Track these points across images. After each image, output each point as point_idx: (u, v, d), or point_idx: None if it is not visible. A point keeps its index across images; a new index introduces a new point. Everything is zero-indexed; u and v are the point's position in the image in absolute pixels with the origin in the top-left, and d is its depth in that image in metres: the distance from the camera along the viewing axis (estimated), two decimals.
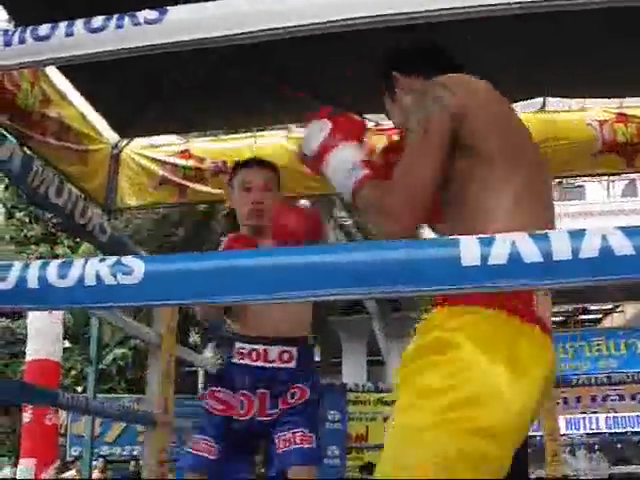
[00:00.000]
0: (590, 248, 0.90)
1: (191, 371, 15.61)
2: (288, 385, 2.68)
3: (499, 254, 0.92)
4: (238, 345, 2.75)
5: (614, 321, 18.48)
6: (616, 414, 15.73)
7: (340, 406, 6.19)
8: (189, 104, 5.09)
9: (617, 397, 14.86)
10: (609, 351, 15.78)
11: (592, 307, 16.98)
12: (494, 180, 1.58)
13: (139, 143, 5.77)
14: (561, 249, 0.91)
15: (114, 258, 1.00)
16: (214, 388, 2.76)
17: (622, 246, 0.89)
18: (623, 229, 0.91)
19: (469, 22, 3.78)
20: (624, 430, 15.07)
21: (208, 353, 14.42)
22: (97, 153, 5.40)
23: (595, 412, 15.23)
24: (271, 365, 2.70)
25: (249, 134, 5.91)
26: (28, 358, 6.32)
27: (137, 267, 0.97)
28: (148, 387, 2.64)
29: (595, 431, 15.02)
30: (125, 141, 5.64)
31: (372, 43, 4.60)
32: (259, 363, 2.70)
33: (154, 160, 5.73)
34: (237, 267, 0.97)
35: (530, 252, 0.91)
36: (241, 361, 2.72)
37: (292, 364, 2.70)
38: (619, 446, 13.02)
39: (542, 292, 1.60)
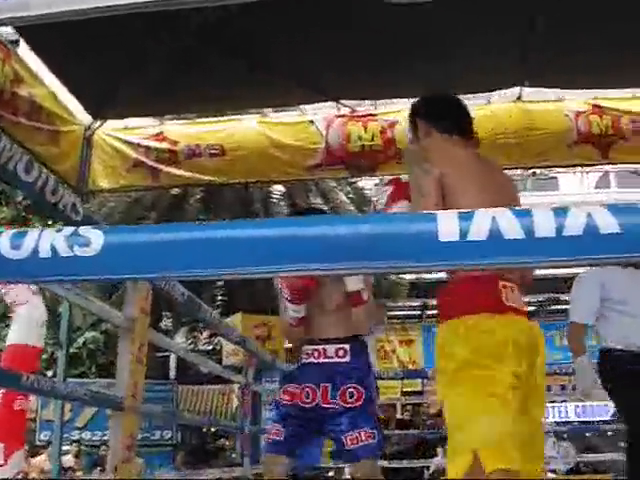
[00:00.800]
0: (574, 226, 0.85)
1: (163, 356, 15.52)
2: (346, 380, 3.23)
3: (479, 230, 0.86)
4: (304, 348, 3.38)
5: None
6: (585, 403, 15.87)
7: None
8: (164, 87, 5.03)
9: None
10: None
11: (563, 297, 17.08)
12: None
13: (112, 125, 5.70)
14: (544, 226, 0.85)
15: (71, 229, 0.94)
16: (286, 385, 3.37)
17: (608, 224, 0.84)
18: (609, 206, 0.86)
19: (449, 10, 3.76)
20: (593, 419, 15.23)
21: (179, 339, 14.36)
22: (69, 134, 5.33)
23: (564, 401, 15.37)
24: (330, 360, 3.28)
25: (224, 118, 5.87)
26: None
27: (95, 238, 0.91)
28: (118, 371, 2.60)
29: (564, 420, 15.15)
30: (98, 123, 5.57)
31: (353, 32, 4.60)
32: (321, 360, 3.30)
33: (127, 142, 5.67)
34: (201, 240, 0.91)
35: (511, 228, 0.86)
36: (308, 360, 3.33)
37: (347, 358, 3.28)
38: (587, 435, 13.14)
39: (509, 288, 2.26)
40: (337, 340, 3.31)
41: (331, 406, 3.20)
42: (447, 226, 0.87)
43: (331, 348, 3.30)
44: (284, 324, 3.41)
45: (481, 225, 0.86)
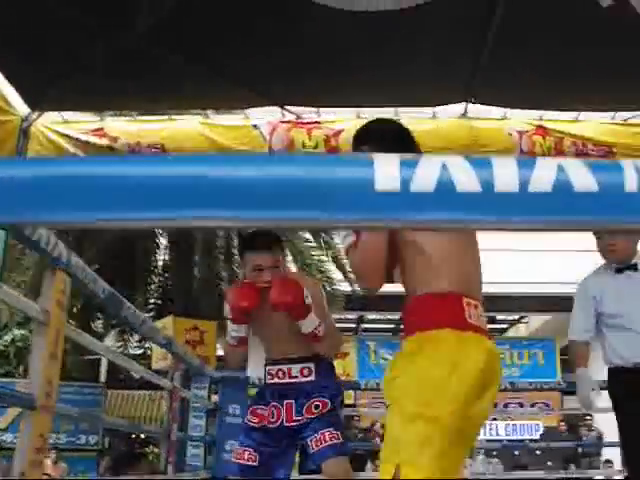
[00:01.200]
0: (543, 181, 0.71)
1: (94, 359, 15.23)
2: (311, 395, 3.25)
3: (425, 180, 0.71)
4: (268, 368, 3.38)
5: (519, 331, 18.90)
6: (515, 422, 16.09)
7: (241, 400, 6.09)
8: (106, 81, 4.93)
9: (517, 405, 15.19)
10: (512, 360, 16.12)
11: (499, 317, 17.30)
12: (419, 254, 2.24)
13: (51, 118, 5.56)
14: (506, 180, 0.71)
15: None
16: (254, 406, 3.40)
17: (584, 182, 0.71)
18: (586, 161, 0.72)
19: (399, 22, 3.74)
20: (522, 437, 15.43)
21: (109, 341, 14.11)
22: (5, 124, 5.20)
23: (495, 419, 15.53)
24: (295, 380, 3.29)
25: (165, 117, 5.77)
26: None
27: None
28: (30, 367, 2.45)
29: (495, 438, 15.31)
30: (36, 114, 5.42)
31: (302, 39, 4.56)
32: (285, 380, 3.31)
33: (65, 136, 5.54)
34: (74, 177, 0.71)
35: (466, 180, 0.71)
36: (272, 380, 3.34)
37: (312, 377, 3.29)
38: (516, 453, 13.30)
39: (473, 305, 2.17)
40: (302, 359, 3.30)
41: (295, 423, 3.23)
42: (386, 174, 0.71)
43: (296, 367, 3.30)
44: (226, 346, 3.39)
45: (428, 174, 0.71)
